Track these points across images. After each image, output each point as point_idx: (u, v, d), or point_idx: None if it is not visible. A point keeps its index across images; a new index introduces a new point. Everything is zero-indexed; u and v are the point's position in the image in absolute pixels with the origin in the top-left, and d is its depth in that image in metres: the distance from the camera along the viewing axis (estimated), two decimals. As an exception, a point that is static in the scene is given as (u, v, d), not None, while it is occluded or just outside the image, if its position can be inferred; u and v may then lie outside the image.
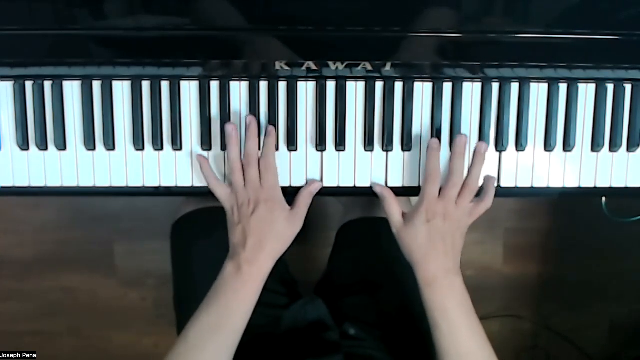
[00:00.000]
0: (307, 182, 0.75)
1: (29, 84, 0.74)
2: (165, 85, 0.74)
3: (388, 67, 0.72)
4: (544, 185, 0.76)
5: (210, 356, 0.67)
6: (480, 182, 0.74)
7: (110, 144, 0.74)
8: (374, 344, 0.82)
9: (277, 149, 0.74)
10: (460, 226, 0.70)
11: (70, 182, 0.75)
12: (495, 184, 0.75)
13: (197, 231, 0.89)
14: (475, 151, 0.73)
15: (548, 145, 0.75)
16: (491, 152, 0.75)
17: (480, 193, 0.73)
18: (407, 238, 0.70)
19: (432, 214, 0.68)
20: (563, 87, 0.74)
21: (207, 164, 0.73)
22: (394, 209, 0.72)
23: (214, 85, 0.74)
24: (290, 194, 0.75)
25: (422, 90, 0.74)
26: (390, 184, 0.75)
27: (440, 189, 0.70)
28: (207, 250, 0.86)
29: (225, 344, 0.68)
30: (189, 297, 0.87)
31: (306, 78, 0.74)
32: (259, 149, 0.72)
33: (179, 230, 0.92)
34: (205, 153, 0.75)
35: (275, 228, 0.69)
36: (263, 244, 0.69)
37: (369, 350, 0.81)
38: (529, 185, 0.76)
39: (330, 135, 0.75)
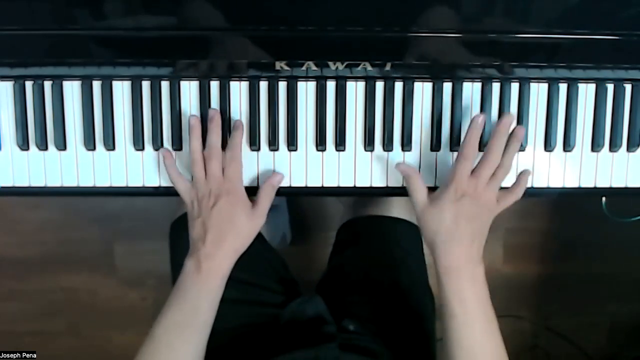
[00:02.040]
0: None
1: (29, 84, 0.74)
2: (165, 85, 0.74)
3: (388, 67, 0.72)
4: (544, 185, 0.76)
5: (179, 353, 0.66)
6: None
7: (110, 144, 0.74)
8: (372, 339, 0.82)
9: (277, 149, 0.75)
10: (488, 211, 0.68)
11: (70, 182, 0.75)
12: (529, 179, 0.73)
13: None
14: (512, 134, 0.70)
15: (548, 145, 0.75)
16: (491, 152, 0.75)
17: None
18: (432, 218, 0.67)
19: (461, 192, 0.66)
20: (563, 87, 0.74)
21: (171, 158, 0.73)
22: (419, 187, 0.69)
23: (214, 85, 0.74)
24: (290, 194, 0.76)
25: (422, 90, 0.74)
26: (390, 184, 0.75)
27: (473, 171, 0.68)
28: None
29: (193, 340, 0.67)
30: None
31: (306, 78, 0.73)
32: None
33: (177, 229, 0.92)
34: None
35: (235, 223, 0.68)
36: (223, 238, 0.68)
37: (365, 343, 0.81)
38: (529, 185, 0.76)
39: (330, 135, 0.75)
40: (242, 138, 0.72)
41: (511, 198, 0.70)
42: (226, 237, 0.68)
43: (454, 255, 0.66)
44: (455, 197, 0.66)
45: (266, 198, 0.71)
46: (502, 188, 0.70)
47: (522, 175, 0.72)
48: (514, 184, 0.72)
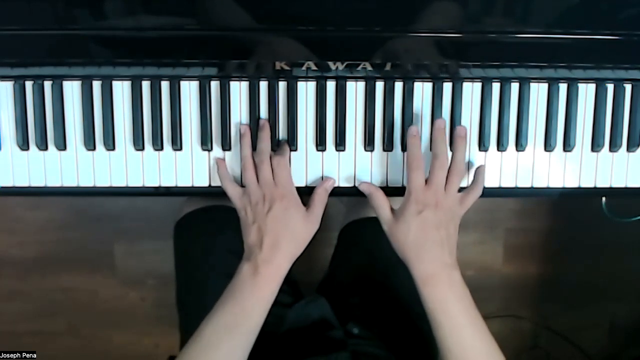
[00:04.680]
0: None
1: (29, 84, 0.74)
2: (165, 85, 0.74)
3: (388, 67, 0.72)
4: (544, 185, 0.76)
5: (225, 356, 0.66)
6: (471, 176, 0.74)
7: (110, 144, 0.74)
8: (378, 343, 0.81)
9: (277, 148, 0.74)
10: (453, 216, 0.69)
11: (70, 182, 0.75)
12: (485, 173, 0.74)
13: (200, 230, 0.89)
14: (455, 135, 0.72)
15: (548, 145, 0.75)
16: (491, 152, 0.75)
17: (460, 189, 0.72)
18: (399, 234, 0.68)
19: (422, 204, 0.67)
20: (563, 87, 0.74)
21: (224, 165, 0.74)
22: (383, 205, 0.71)
23: (214, 85, 0.74)
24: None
25: (422, 90, 0.74)
26: (390, 184, 0.75)
27: (427, 180, 0.69)
28: (210, 249, 0.86)
29: (240, 344, 0.67)
30: (191, 296, 0.87)
31: (306, 78, 0.74)
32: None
33: (181, 229, 0.92)
34: (205, 153, 0.75)
35: (291, 227, 0.68)
36: (280, 243, 0.68)
37: (373, 348, 0.80)
38: (529, 185, 0.76)
39: (330, 135, 0.75)
40: (287, 144, 0.73)
41: (472, 197, 0.71)
42: (282, 242, 0.68)
43: (426, 264, 0.67)
44: (416, 209, 0.67)
45: (320, 203, 0.72)
46: (462, 188, 0.72)
47: (477, 172, 0.74)
48: (472, 182, 0.73)
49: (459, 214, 0.70)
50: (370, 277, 0.90)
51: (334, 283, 0.94)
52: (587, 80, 0.74)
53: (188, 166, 0.75)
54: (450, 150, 0.72)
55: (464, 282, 0.68)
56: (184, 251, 0.90)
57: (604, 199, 0.85)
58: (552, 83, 0.74)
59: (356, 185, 0.75)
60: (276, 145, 0.74)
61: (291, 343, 0.81)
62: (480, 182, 0.72)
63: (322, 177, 0.75)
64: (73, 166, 0.75)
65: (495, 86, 0.74)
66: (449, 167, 0.70)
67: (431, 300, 0.67)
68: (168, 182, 0.76)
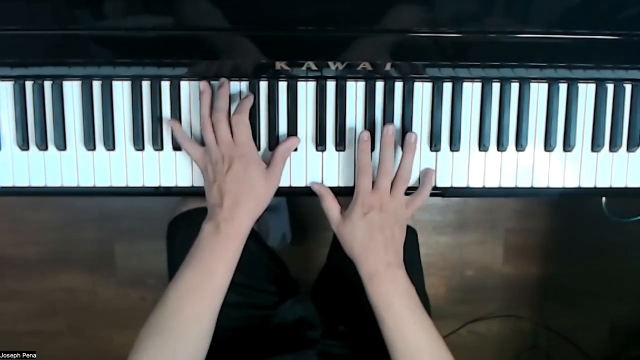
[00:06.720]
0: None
1: (29, 84, 0.74)
2: (165, 85, 0.74)
3: (388, 67, 0.72)
4: (544, 185, 0.76)
5: (190, 318, 0.65)
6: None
7: (110, 144, 0.74)
8: (358, 345, 0.81)
9: (277, 149, 0.74)
10: (398, 218, 0.70)
11: (70, 182, 0.75)
12: (433, 177, 0.74)
13: (194, 230, 0.89)
14: (404, 141, 0.73)
15: (548, 145, 0.75)
16: (491, 152, 0.75)
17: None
18: (346, 234, 0.70)
19: (367, 207, 0.69)
20: (563, 87, 0.74)
21: (179, 126, 0.73)
22: (331, 206, 0.72)
23: (215, 85, 0.74)
24: (290, 194, 0.76)
25: (422, 90, 0.74)
26: (390, 184, 0.75)
27: (374, 183, 0.70)
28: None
29: (206, 306, 0.66)
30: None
31: (306, 78, 0.74)
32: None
33: (175, 229, 0.92)
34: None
35: (251, 185, 0.68)
36: (240, 201, 0.68)
37: (342, 349, 0.80)
38: (529, 185, 0.76)
39: (330, 135, 0.75)
40: (250, 104, 0.72)
41: (418, 200, 0.72)
42: (243, 200, 0.68)
43: (371, 262, 0.68)
44: (362, 212, 0.69)
45: (280, 160, 0.72)
46: (410, 189, 0.72)
47: (425, 175, 0.74)
48: (420, 185, 0.74)
49: (405, 215, 0.71)
50: (360, 276, 0.90)
51: (329, 281, 0.95)
52: (587, 80, 0.74)
53: (188, 166, 0.75)
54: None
55: (409, 280, 0.69)
56: (177, 250, 0.90)
57: (604, 199, 0.85)
58: (552, 83, 0.74)
59: (309, 184, 0.75)
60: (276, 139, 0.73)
61: (270, 340, 0.81)
62: (428, 186, 0.73)
63: (323, 177, 0.75)
64: (73, 166, 0.75)
65: (495, 86, 0.74)
66: (397, 172, 0.71)
67: (375, 297, 0.68)
68: (168, 182, 0.76)
